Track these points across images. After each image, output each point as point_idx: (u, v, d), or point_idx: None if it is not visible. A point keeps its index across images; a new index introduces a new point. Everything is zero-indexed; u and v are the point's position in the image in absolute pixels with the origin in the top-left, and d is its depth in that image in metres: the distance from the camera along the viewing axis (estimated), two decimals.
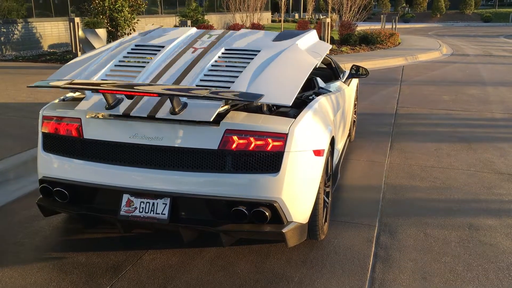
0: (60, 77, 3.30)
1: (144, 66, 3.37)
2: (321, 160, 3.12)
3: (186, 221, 2.97)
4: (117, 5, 12.39)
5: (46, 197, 3.23)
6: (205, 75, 3.20)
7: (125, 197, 3.00)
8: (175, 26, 15.11)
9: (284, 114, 3.11)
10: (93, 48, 10.84)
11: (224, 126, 2.87)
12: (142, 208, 2.97)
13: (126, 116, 2.95)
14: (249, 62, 3.30)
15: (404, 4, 52.64)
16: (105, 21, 12.43)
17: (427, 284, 2.95)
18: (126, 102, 2.97)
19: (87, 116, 3.05)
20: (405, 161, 5.22)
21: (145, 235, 3.51)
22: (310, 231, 3.24)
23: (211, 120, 2.78)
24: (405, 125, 6.86)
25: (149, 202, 2.97)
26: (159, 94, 2.66)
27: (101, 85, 2.72)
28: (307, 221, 3.12)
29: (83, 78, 3.26)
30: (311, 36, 4.05)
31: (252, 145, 2.84)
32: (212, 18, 24.51)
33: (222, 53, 3.48)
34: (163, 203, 2.94)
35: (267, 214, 2.85)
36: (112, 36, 12.49)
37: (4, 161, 4.55)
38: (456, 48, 19.25)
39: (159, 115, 2.84)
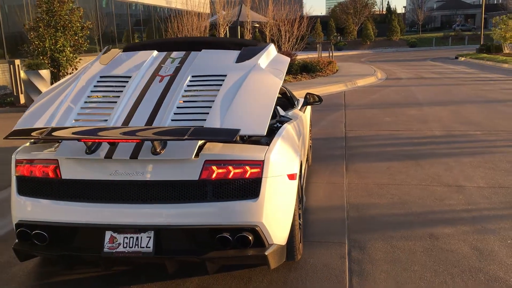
0: (30, 123, 3.29)
1: (113, 102, 3.43)
2: (295, 184, 3.31)
3: (172, 252, 3.03)
4: (58, 45, 12.25)
5: (23, 241, 3.18)
6: (175, 112, 3.26)
7: (108, 234, 3.02)
8: None
9: (257, 142, 3.28)
10: (37, 90, 10.62)
11: (203, 157, 2.99)
12: (126, 243, 3.00)
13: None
14: (218, 90, 3.42)
15: (336, 33, 55.02)
16: (46, 61, 12.24)
17: None
18: (105, 145, 3.01)
19: (63, 157, 3.07)
20: (362, 181, 5.52)
21: (125, 272, 3.52)
22: (288, 252, 3.39)
23: (193, 157, 2.90)
24: (355, 147, 7.23)
25: (132, 237, 3.01)
26: (142, 140, 2.78)
27: (82, 135, 2.78)
28: (285, 242, 3.27)
29: (56, 123, 3.26)
30: (271, 51, 4.18)
31: (231, 173, 2.98)
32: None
33: (190, 81, 3.55)
34: (147, 237, 3.00)
35: (250, 238, 2.98)
36: (54, 77, 12.28)
37: None
38: (389, 73, 20.36)
39: (141, 157, 2.91)
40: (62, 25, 12.26)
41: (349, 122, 9.24)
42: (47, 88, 10.86)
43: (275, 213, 3.08)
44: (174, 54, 4.02)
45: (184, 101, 3.39)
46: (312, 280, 3.34)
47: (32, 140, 3.47)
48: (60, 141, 3.19)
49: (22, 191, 3.18)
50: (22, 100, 11.72)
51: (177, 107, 3.32)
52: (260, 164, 3.01)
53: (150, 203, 2.99)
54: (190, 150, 2.93)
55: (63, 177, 3.06)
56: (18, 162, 3.19)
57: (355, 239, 3.98)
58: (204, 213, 2.96)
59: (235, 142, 3.25)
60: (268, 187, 3.03)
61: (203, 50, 4.03)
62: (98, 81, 3.67)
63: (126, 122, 3.24)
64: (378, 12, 69.05)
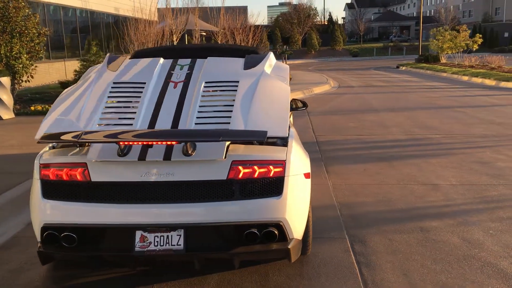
0: (55, 128, 3.34)
1: (134, 107, 3.54)
2: (309, 182, 3.54)
3: (202, 249, 3.18)
4: (13, 52, 11.88)
5: (49, 244, 3.21)
6: (198, 115, 3.44)
7: (138, 233, 3.12)
8: (76, 71, 14.77)
9: (274, 144, 3.49)
10: None
11: (230, 158, 3.16)
12: (157, 242, 3.12)
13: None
14: (234, 95, 3.62)
15: (281, 43, 56.10)
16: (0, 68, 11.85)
17: (409, 279, 3.47)
18: (137, 147, 3.11)
19: (93, 160, 3.14)
20: (345, 182, 5.85)
21: (146, 272, 3.61)
22: (303, 246, 3.61)
23: (224, 158, 3.07)
24: (329, 151, 7.58)
25: (163, 235, 3.13)
26: (179, 142, 2.93)
27: (120, 138, 2.89)
28: (302, 237, 3.49)
29: (80, 127, 3.33)
30: (272, 59, 4.41)
31: (257, 173, 3.17)
32: None
33: (204, 87, 3.73)
34: (177, 235, 3.13)
35: (276, 233, 3.18)
36: (11, 84, 11.89)
37: None
38: (340, 81, 21.14)
39: (175, 158, 3.05)
40: (18, 32, 11.91)
41: (316, 128, 9.62)
42: (7, 95, 10.55)
43: (295, 209, 3.30)
44: (181, 61, 4.17)
45: (203, 106, 3.54)
46: (325, 273, 3.58)
47: (50, 145, 3.51)
48: (87, 144, 3.27)
49: (47, 194, 3.20)
50: None
51: (198, 111, 3.47)
52: (282, 163, 3.22)
53: (179, 202, 3.12)
54: (220, 151, 3.10)
55: (93, 179, 3.13)
56: (43, 166, 3.23)
57: (353, 234, 4.26)
58: (232, 211, 3.13)
59: (252, 143, 3.45)
60: (290, 185, 3.24)
61: (208, 57, 4.20)
62: (112, 87, 3.75)
63: (151, 126, 3.36)
64: (320, 23, 71.02)
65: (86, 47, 24.93)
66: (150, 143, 2.91)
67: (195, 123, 3.38)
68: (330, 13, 62.55)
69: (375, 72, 28.24)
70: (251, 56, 4.31)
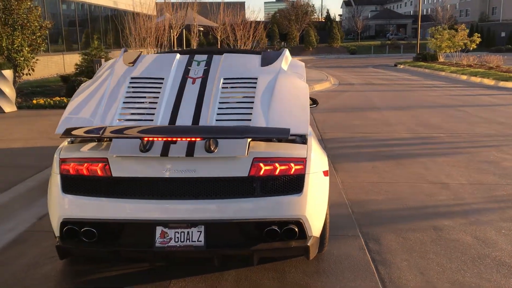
0: (75, 122, 3.32)
1: (153, 102, 3.52)
2: (328, 180, 3.54)
3: (222, 246, 3.18)
4: (15, 45, 11.79)
5: (69, 239, 3.20)
6: (218, 111, 3.44)
7: (159, 229, 3.12)
8: (77, 64, 14.68)
9: (293, 141, 3.48)
10: None
11: (251, 155, 3.15)
12: (177, 238, 3.11)
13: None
14: (253, 91, 3.61)
15: (279, 39, 56.04)
16: (2, 61, 11.74)
17: (426, 277, 3.48)
18: (159, 143, 3.09)
19: (114, 156, 3.13)
20: (354, 179, 5.85)
21: (162, 268, 3.60)
22: (320, 244, 3.62)
23: (246, 154, 3.07)
24: (335, 148, 7.58)
25: (183, 232, 3.12)
26: (204, 138, 2.92)
27: (144, 133, 2.88)
28: (319, 234, 3.50)
29: (101, 122, 3.31)
30: (288, 56, 4.41)
31: (278, 170, 3.17)
32: (115, 55, 24.02)
33: (223, 83, 3.72)
34: (197, 231, 3.12)
35: (296, 230, 3.18)
36: (13, 77, 11.81)
37: None
38: (340, 79, 21.15)
39: (197, 154, 3.04)
40: (20, 24, 11.81)
41: (321, 125, 9.63)
42: (10, 88, 10.48)
43: (315, 207, 3.30)
44: (197, 57, 4.15)
45: (223, 102, 3.53)
46: (342, 270, 3.59)
47: (69, 139, 3.48)
48: (107, 139, 3.25)
49: (67, 189, 3.19)
50: None
51: (218, 108, 3.46)
52: (303, 161, 3.22)
53: (200, 199, 3.12)
54: (242, 148, 3.09)
55: (114, 175, 3.11)
56: (63, 160, 3.21)
57: (367, 232, 4.27)
58: (253, 208, 3.12)
59: (272, 141, 3.44)
60: (310, 183, 3.24)
61: (225, 54, 4.19)
62: (130, 82, 3.73)
63: (172, 122, 3.35)
64: (317, 20, 71.00)
65: (84, 40, 24.84)
66: (175, 139, 2.91)
67: (216, 120, 3.37)
68: (328, 10, 62.55)
69: (374, 70, 28.28)
70: (267, 53, 4.31)
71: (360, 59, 41.82)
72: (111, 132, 2.93)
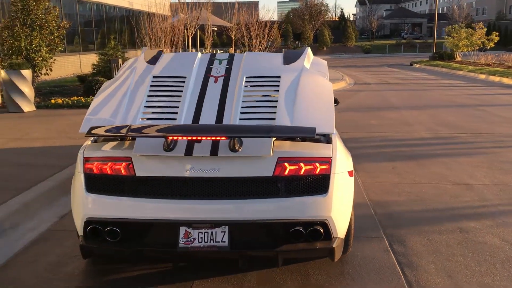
0: (99, 121, 3.30)
1: (176, 101, 3.49)
2: (353, 180, 3.47)
3: (246, 247, 3.13)
4: (33, 45, 11.88)
5: (92, 238, 3.18)
6: (242, 110, 3.40)
7: (182, 229, 3.08)
8: (93, 64, 14.75)
9: (318, 141, 3.42)
10: (18, 90, 10.26)
11: (276, 154, 3.10)
12: (201, 238, 3.07)
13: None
14: (277, 90, 3.56)
15: (292, 39, 55.90)
16: (20, 61, 11.84)
17: (455, 281, 3.39)
18: (183, 142, 3.06)
19: (138, 155, 3.09)
20: (374, 180, 5.77)
21: (184, 268, 3.56)
22: (344, 245, 3.55)
23: (271, 154, 3.01)
24: (354, 148, 7.48)
25: (207, 232, 3.08)
26: (229, 137, 2.87)
27: (169, 132, 2.85)
28: (344, 235, 3.43)
29: (124, 121, 3.29)
30: (310, 54, 4.35)
31: (303, 170, 3.11)
32: (130, 55, 24.17)
33: (246, 82, 3.68)
34: (221, 231, 3.08)
35: (321, 231, 3.12)
36: (32, 77, 11.91)
37: None
38: (355, 78, 21.00)
39: (221, 153, 2.99)
40: (39, 25, 11.90)
41: (338, 125, 9.49)
42: (29, 88, 10.55)
43: (340, 208, 3.23)
44: (219, 55, 4.12)
45: (246, 101, 3.49)
46: (368, 272, 3.51)
47: (92, 138, 3.46)
48: (129, 138, 3.22)
49: (91, 188, 3.16)
50: None
51: (242, 107, 3.42)
52: (328, 161, 3.16)
53: (225, 199, 3.07)
54: (267, 147, 3.04)
55: (138, 174, 3.08)
56: (86, 159, 3.18)
57: (391, 234, 4.19)
58: (278, 208, 3.07)
59: (295, 140, 3.38)
60: (335, 183, 3.17)
61: (246, 52, 4.16)
62: (153, 81, 3.70)
63: (195, 120, 3.31)
64: (331, 19, 70.71)
65: (100, 41, 25.00)
66: (200, 138, 2.86)
67: (240, 119, 3.32)
68: (342, 9, 62.19)
69: (389, 69, 28.04)
70: (289, 52, 4.26)
71: (375, 59, 41.51)
72: (136, 131, 2.90)
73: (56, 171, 5.55)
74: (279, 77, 3.72)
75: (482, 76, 20.69)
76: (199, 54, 4.11)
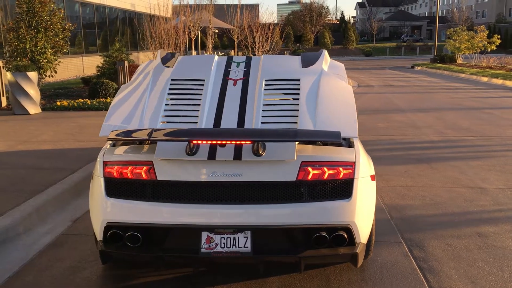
0: (117, 126, 3.26)
1: (196, 104, 3.45)
2: (375, 184, 3.43)
3: (269, 252, 3.08)
4: (38, 47, 11.85)
5: (113, 243, 3.12)
6: (263, 114, 3.35)
7: (204, 235, 3.03)
8: (98, 66, 14.68)
9: (339, 145, 3.38)
10: (24, 92, 10.21)
11: (299, 158, 3.05)
12: (223, 243, 3.02)
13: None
14: (297, 93, 3.52)
15: (293, 41, 55.89)
16: (26, 63, 11.81)
17: (478, 287, 3.34)
18: (205, 147, 3.01)
19: (159, 159, 3.05)
20: (387, 183, 5.72)
21: (204, 273, 3.51)
22: (365, 250, 3.50)
23: (295, 158, 2.96)
24: None
25: (229, 237, 3.03)
26: (254, 141, 2.83)
27: (192, 136, 2.81)
28: (366, 241, 3.38)
29: (144, 125, 3.25)
30: (327, 57, 4.31)
31: (326, 174, 3.06)
32: (133, 57, 24.12)
33: (266, 85, 3.63)
34: (244, 237, 3.03)
35: (345, 237, 3.07)
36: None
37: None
38: (358, 80, 20.97)
39: (245, 157, 2.94)
40: (44, 27, 11.87)
41: None
42: (35, 90, 10.50)
43: (363, 213, 3.19)
44: (236, 58, 4.08)
45: (267, 104, 3.45)
46: (389, 277, 3.47)
47: (111, 142, 3.41)
48: (148, 142, 3.18)
49: (111, 192, 3.11)
50: (4, 102, 11.24)
51: (263, 110, 3.38)
52: (352, 165, 3.12)
53: (247, 204, 3.02)
54: (290, 151, 3.00)
55: (159, 178, 3.03)
56: (106, 163, 3.13)
57: (409, 239, 4.14)
58: (301, 213, 3.02)
59: (316, 144, 3.34)
60: (359, 188, 3.13)
61: (264, 55, 4.12)
62: (171, 84, 3.66)
63: (217, 124, 3.26)
64: (331, 21, 70.77)
65: (102, 43, 24.97)
66: (225, 142, 2.82)
67: (261, 122, 3.28)
68: (342, 12, 62.34)
69: (391, 71, 28.03)
70: (306, 54, 4.22)
71: (376, 61, 41.52)
72: (159, 135, 2.86)
73: (67, 174, 5.50)
74: (299, 80, 3.69)
75: (485, 79, 20.67)
76: (216, 56, 4.07)
